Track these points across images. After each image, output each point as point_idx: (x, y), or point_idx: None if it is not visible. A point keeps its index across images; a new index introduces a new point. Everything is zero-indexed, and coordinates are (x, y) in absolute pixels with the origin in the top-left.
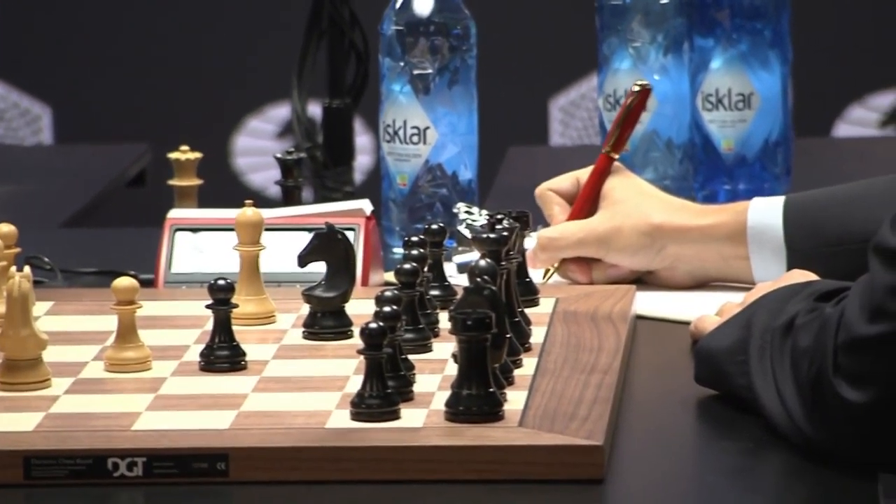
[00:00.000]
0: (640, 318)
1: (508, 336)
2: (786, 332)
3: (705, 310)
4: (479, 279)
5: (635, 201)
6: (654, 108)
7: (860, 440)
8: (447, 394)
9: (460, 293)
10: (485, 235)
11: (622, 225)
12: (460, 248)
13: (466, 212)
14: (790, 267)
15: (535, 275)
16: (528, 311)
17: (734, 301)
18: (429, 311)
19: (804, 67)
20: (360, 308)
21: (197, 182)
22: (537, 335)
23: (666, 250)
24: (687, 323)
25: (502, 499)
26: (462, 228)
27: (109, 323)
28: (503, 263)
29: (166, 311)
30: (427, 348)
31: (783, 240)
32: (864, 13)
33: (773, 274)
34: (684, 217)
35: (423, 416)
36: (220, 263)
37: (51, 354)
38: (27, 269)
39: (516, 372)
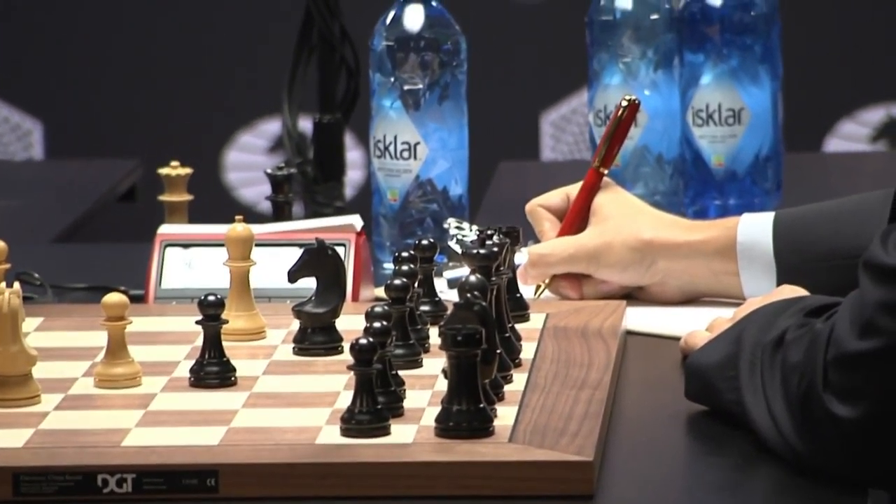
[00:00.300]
0: (630, 333)
1: (498, 351)
2: (776, 347)
3: (695, 325)
4: (469, 295)
5: (625, 217)
6: (645, 124)
7: (850, 456)
8: (437, 409)
9: (450, 309)
10: (475, 251)
11: (612, 241)
12: (451, 264)
13: (457, 227)
14: (780, 282)
15: (526, 291)
16: (518, 326)
17: (724, 316)
18: (419, 327)
19: (794, 83)
20: (351, 324)
21: (187, 198)
22: (527, 351)
23: (656, 266)
24: (677, 338)
25: None
26: (453, 244)
27: (99, 339)
28: (493, 279)
29: (156, 326)
30: (417, 364)
31: (773, 255)
32: (855, 28)
33: (763, 289)
34: (674, 233)
35: (414, 431)
36: (210, 279)
37: (40, 370)
38: (17, 284)
39: (506, 387)
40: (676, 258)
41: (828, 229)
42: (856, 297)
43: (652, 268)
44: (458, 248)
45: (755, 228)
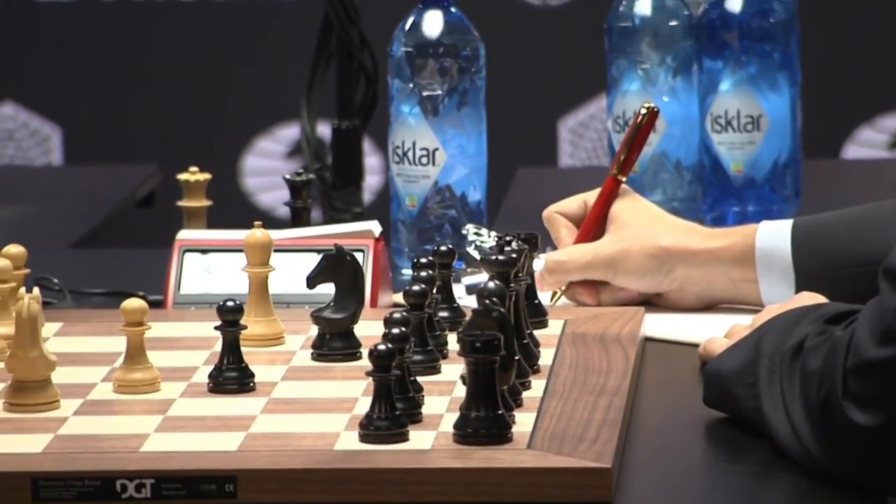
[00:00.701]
0: (648, 339)
1: (517, 358)
2: (795, 354)
3: (714, 332)
4: (487, 301)
5: (643, 224)
6: (663, 130)
7: (869, 463)
8: (455, 416)
9: (469, 315)
10: (494, 257)
11: (630, 248)
12: (469, 270)
13: (475, 233)
14: (798, 289)
15: (543, 297)
16: (536, 332)
17: (743, 323)
18: (437, 333)
19: (813, 89)
20: (369, 329)
21: (206, 203)
22: (546, 357)
23: (674, 273)
24: (696, 345)
25: None
26: (471, 250)
27: (118, 344)
28: (512, 285)
29: (175, 332)
30: (436, 370)
31: (791, 263)
32: (873, 35)
33: (782, 296)
34: (692, 240)
35: (432, 438)
36: (228, 285)
37: (59, 376)
38: (36, 290)
39: (525, 394)
40: (694, 265)
41: (847, 236)
42: (876, 304)
43: (670, 275)
44: (476, 254)
45: (774, 236)
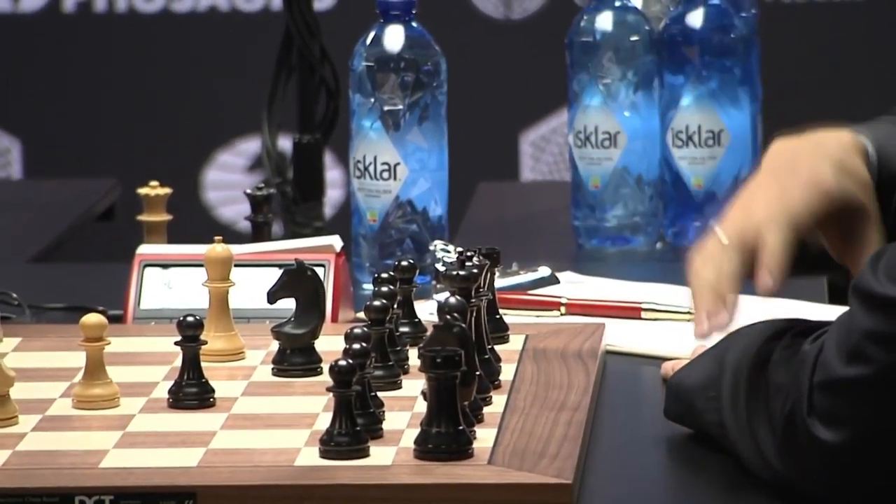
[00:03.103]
0: (610, 353)
1: (478, 373)
2: (761, 367)
3: (677, 346)
4: (448, 316)
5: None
6: (625, 145)
7: (831, 480)
8: (416, 431)
9: (430, 330)
10: (454, 272)
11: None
12: (439, 287)
13: (443, 249)
14: None
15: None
16: (497, 347)
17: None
18: (398, 348)
19: (774, 105)
20: (330, 345)
21: (166, 217)
22: (507, 372)
23: None
24: (658, 358)
25: None
26: (440, 266)
27: (77, 359)
28: (473, 300)
29: (135, 347)
30: (397, 385)
31: None
32: (834, 51)
33: None
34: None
35: (393, 453)
36: (189, 299)
37: (18, 391)
38: None
39: (486, 409)
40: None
41: None
42: (845, 321)
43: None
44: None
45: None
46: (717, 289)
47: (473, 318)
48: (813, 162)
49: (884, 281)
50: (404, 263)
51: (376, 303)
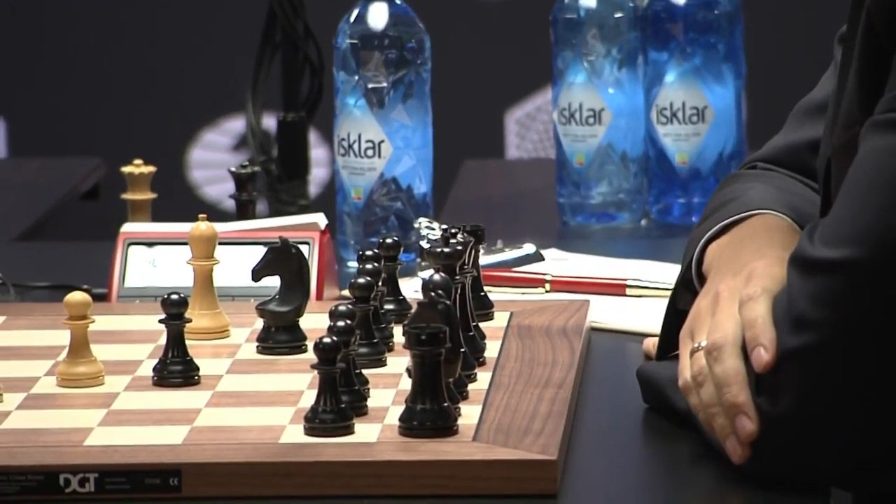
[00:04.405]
0: (595, 330)
1: (463, 350)
2: None
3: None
4: (433, 293)
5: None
6: (609, 122)
7: (772, 452)
8: (401, 408)
9: (415, 307)
10: (439, 249)
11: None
12: (423, 264)
13: (428, 227)
14: None
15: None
16: (482, 325)
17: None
18: (383, 326)
19: (758, 81)
20: (315, 322)
21: (150, 196)
22: (492, 349)
23: None
24: (641, 334)
25: None
26: (425, 244)
27: (62, 338)
28: (457, 277)
29: (119, 325)
30: (381, 363)
31: None
32: (817, 26)
33: None
34: None
35: (377, 430)
36: (173, 278)
37: (2, 369)
38: None
39: (470, 386)
40: None
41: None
42: (783, 295)
43: None
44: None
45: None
46: (725, 404)
47: (458, 296)
48: (759, 244)
49: (819, 246)
50: (389, 241)
51: (361, 280)
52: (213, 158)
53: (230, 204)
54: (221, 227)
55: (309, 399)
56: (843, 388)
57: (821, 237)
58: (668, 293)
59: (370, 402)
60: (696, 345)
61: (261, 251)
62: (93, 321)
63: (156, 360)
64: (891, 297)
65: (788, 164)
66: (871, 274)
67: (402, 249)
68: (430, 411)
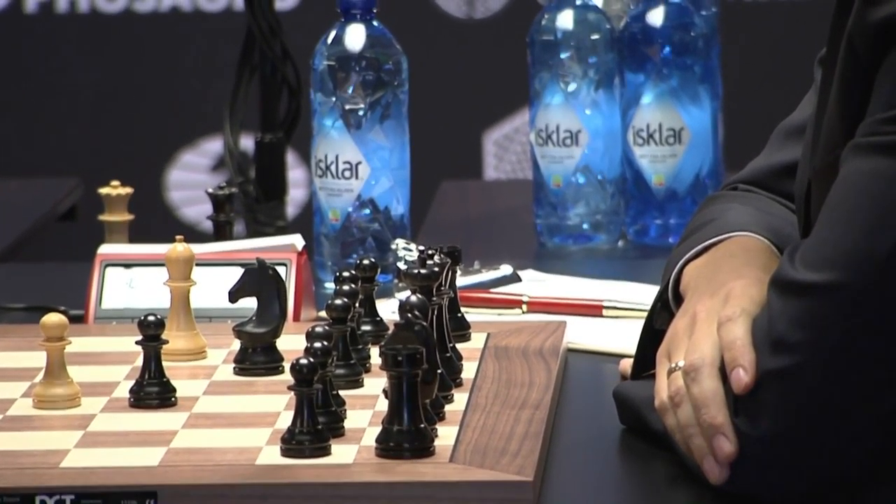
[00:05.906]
0: (571, 350)
1: (439, 371)
2: None
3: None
4: (409, 314)
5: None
6: (586, 143)
7: (751, 473)
8: (378, 429)
9: (392, 328)
10: (415, 271)
11: None
12: (400, 285)
13: (405, 248)
14: None
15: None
16: (459, 346)
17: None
18: (360, 347)
19: (734, 102)
20: (292, 343)
21: (128, 217)
22: (468, 370)
23: None
24: (620, 356)
25: None
26: (401, 265)
27: (38, 359)
28: (434, 298)
29: (96, 347)
30: (358, 384)
31: None
32: (793, 47)
33: None
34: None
35: (354, 452)
36: (150, 299)
37: None
38: None
39: (447, 407)
40: None
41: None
42: (763, 317)
43: None
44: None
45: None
46: (702, 425)
47: (435, 317)
48: (736, 264)
49: (801, 269)
50: (366, 262)
51: (338, 301)
52: (192, 179)
53: (208, 225)
54: (199, 249)
55: (286, 420)
56: (822, 411)
57: (802, 259)
58: (645, 314)
59: (347, 424)
60: (673, 365)
61: (238, 272)
62: (69, 343)
63: (132, 382)
64: (871, 321)
65: (769, 185)
66: (852, 297)
67: (379, 271)
68: (406, 432)
